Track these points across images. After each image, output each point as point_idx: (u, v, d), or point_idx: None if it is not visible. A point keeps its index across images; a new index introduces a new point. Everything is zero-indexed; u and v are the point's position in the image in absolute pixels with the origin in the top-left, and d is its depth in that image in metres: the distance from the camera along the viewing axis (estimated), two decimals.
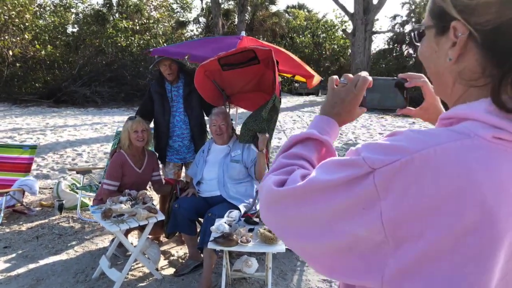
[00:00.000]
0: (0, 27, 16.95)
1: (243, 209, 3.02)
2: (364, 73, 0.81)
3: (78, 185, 4.59)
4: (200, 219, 3.34)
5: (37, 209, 4.46)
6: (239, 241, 2.53)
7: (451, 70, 0.62)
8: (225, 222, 2.71)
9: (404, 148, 0.54)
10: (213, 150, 3.31)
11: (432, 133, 0.56)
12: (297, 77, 4.38)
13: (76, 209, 4.31)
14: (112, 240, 3.39)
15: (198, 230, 3.35)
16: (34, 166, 5.37)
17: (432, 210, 0.51)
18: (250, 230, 2.73)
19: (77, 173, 4.38)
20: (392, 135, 0.60)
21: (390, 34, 28.59)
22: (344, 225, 0.57)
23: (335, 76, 0.86)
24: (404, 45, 29.31)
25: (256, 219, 2.93)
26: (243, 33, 4.04)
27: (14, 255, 3.36)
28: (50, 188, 5.31)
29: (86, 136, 8.89)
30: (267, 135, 3.14)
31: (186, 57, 3.59)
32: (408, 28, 28.01)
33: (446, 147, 0.53)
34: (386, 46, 30.06)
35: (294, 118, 12.09)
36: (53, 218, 4.23)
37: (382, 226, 0.54)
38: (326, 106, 0.85)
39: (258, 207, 3.25)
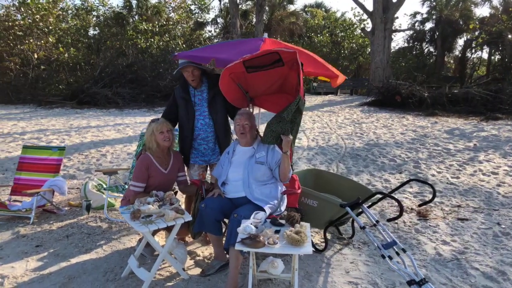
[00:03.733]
0: (24, 31, 17.46)
1: (268, 211, 3.03)
2: None
3: (105, 186, 4.70)
4: (225, 219, 3.38)
5: (66, 208, 4.59)
6: (266, 243, 2.56)
7: None
8: (251, 224, 2.74)
9: None
10: (238, 152, 3.32)
11: None
12: (321, 77, 4.36)
13: (103, 209, 4.42)
14: (140, 240, 3.46)
15: (224, 230, 3.40)
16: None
17: None
18: (276, 232, 2.75)
19: (104, 174, 4.49)
20: None
21: (410, 32, 28.15)
22: None
23: None
24: (424, 43, 28.80)
25: (282, 221, 2.94)
26: (266, 35, 4.05)
27: (45, 253, 3.48)
28: (77, 188, 5.45)
29: (109, 137, 9.07)
30: (290, 137, 3.13)
31: (210, 63, 3.61)
32: (428, 25, 27.49)
33: None
34: (406, 44, 29.62)
35: (314, 118, 12.05)
36: (82, 217, 4.35)
37: None
38: None
39: (283, 208, 3.27)
